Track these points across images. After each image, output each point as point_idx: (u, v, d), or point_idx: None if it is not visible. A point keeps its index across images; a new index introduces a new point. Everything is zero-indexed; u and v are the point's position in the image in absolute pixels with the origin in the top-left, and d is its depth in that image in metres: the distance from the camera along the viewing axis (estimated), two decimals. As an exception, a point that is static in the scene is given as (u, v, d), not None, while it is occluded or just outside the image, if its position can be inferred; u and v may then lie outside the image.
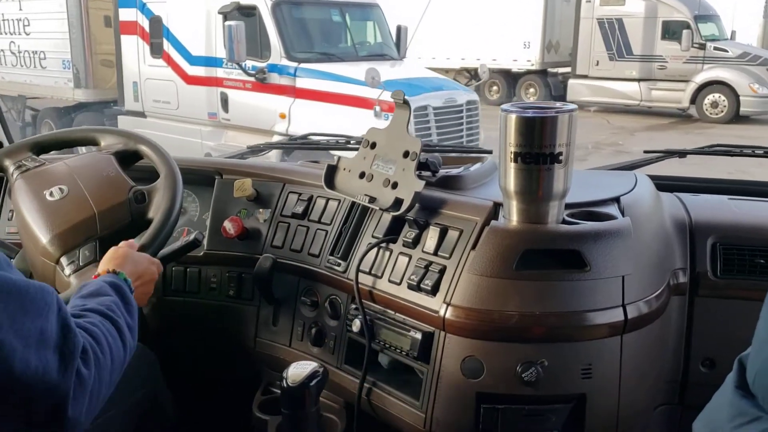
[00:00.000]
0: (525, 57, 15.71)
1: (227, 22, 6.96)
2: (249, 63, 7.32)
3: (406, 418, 1.40)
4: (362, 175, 1.55)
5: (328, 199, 1.67)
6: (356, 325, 1.47)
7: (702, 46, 13.60)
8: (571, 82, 14.94)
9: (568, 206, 1.35)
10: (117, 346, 1.01)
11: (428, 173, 1.55)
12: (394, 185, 1.48)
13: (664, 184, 1.73)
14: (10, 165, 1.61)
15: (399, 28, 8.61)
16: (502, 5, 15.20)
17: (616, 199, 1.44)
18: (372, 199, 1.50)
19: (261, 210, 1.77)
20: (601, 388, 1.29)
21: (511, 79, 16.23)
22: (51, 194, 1.51)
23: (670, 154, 2.03)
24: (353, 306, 1.50)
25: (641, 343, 1.33)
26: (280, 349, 1.69)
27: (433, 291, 1.35)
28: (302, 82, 7.26)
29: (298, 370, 1.32)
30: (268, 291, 1.68)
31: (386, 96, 6.39)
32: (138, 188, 1.54)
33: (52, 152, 1.70)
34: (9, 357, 0.79)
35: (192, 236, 1.58)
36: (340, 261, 1.56)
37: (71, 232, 1.47)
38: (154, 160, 1.59)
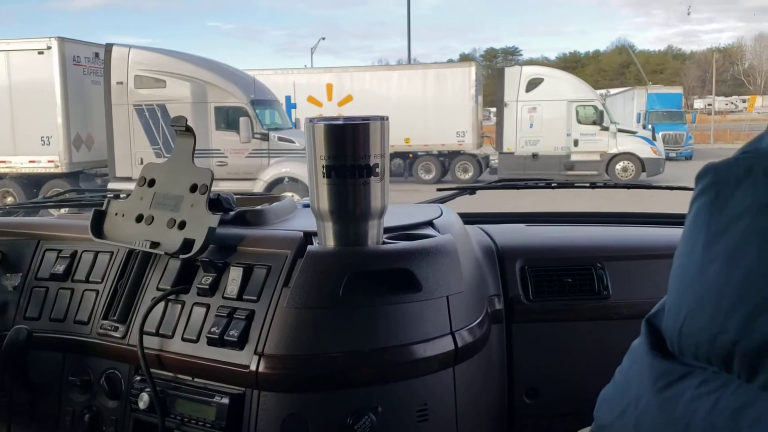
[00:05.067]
0: (46, 156, 12.19)
1: None
2: None
3: None
4: (140, 219, 1.33)
5: (97, 253, 1.42)
6: (144, 400, 1.22)
7: (265, 137, 11.36)
8: (111, 186, 11.32)
9: (384, 230, 1.24)
10: None
11: (220, 212, 1.32)
12: (182, 225, 1.27)
13: (462, 220, 1.68)
14: None
15: None
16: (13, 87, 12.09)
17: (430, 223, 1.38)
18: (154, 244, 1.29)
19: (9, 275, 1.49)
20: (439, 430, 1.19)
21: (31, 185, 12.54)
22: None
23: (462, 190, 2.08)
24: (138, 378, 1.26)
25: (471, 376, 1.27)
26: None
27: (240, 343, 1.15)
28: None
29: None
30: (23, 374, 1.38)
31: None
32: None
33: None
34: None
35: None
36: (117, 325, 1.31)
37: None
38: None
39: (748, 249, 0.60)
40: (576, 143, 16.52)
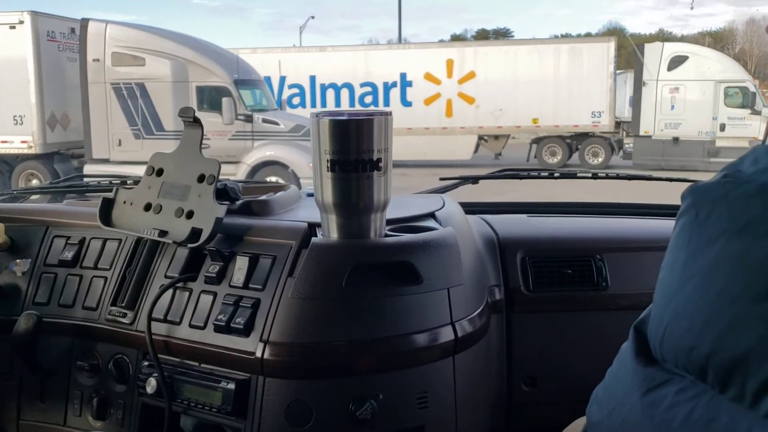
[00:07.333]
0: (20, 137, 11.73)
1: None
2: None
3: None
4: (148, 207, 1.36)
5: (105, 240, 1.44)
6: (151, 384, 1.25)
7: (249, 119, 10.92)
8: (87, 168, 10.88)
9: (387, 222, 1.27)
10: None
11: (227, 202, 1.35)
12: (189, 214, 1.30)
13: (464, 209, 1.72)
14: None
15: None
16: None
17: (432, 215, 1.40)
18: (163, 233, 1.31)
19: (18, 261, 1.50)
20: (439, 416, 1.22)
21: (5, 166, 12.20)
22: None
23: (464, 180, 2.07)
24: (146, 363, 1.29)
25: (471, 365, 1.30)
26: (53, 430, 1.42)
27: (246, 330, 1.17)
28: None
29: None
30: (32, 359, 1.39)
31: None
32: None
33: None
34: None
35: None
36: (125, 311, 1.34)
37: None
38: None
39: (720, 271, 0.65)
40: (723, 128, 15.05)
